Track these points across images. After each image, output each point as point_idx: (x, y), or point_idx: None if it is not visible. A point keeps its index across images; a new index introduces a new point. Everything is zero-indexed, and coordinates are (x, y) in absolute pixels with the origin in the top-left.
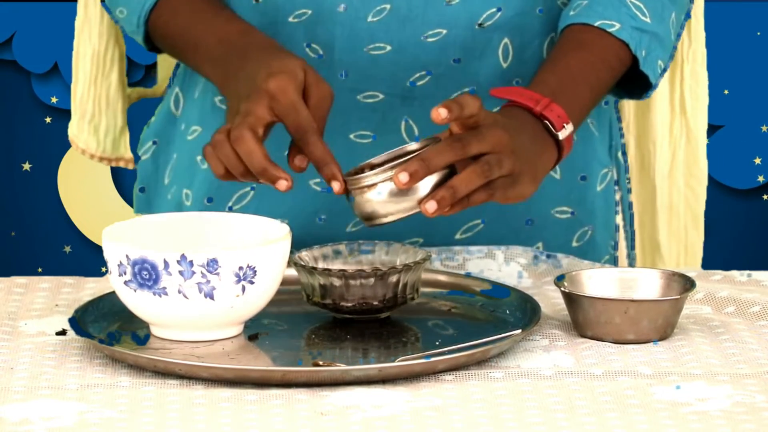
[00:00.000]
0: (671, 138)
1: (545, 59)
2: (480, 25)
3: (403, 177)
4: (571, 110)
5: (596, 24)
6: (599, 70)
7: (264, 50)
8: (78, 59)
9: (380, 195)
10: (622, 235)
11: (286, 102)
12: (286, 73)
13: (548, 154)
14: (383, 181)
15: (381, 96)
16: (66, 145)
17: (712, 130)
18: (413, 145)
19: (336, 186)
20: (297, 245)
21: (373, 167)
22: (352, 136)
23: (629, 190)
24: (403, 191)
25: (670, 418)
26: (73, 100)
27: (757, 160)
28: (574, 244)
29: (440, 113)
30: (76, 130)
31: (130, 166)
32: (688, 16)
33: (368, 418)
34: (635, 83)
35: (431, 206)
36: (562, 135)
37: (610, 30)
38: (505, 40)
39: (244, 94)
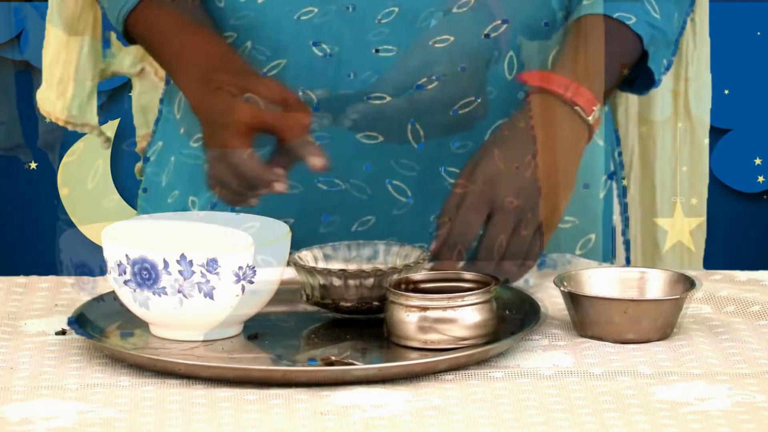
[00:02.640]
0: (675, 139)
1: (565, 45)
2: (486, 35)
3: None
4: (597, 93)
5: (614, 15)
6: (614, 62)
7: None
8: (52, 21)
9: (435, 321)
10: (618, 233)
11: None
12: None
13: (581, 140)
14: (460, 307)
15: (388, 98)
16: (66, 145)
17: (714, 132)
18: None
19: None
20: (301, 245)
21: (409, 283)
22: (359, 136)
23: (625, 189)
24: (453, 321)
25: (670, 418)
26: (44, 63)
27: (758, 161)
28: (578, 252)
29: None
30: (43, 93)
31: (95, 133)
32: (685, 21)
33: (368, 417)
34: (635, 78)
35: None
36: (592, 119)
37: (627, 22)
38: (511, 52)
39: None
